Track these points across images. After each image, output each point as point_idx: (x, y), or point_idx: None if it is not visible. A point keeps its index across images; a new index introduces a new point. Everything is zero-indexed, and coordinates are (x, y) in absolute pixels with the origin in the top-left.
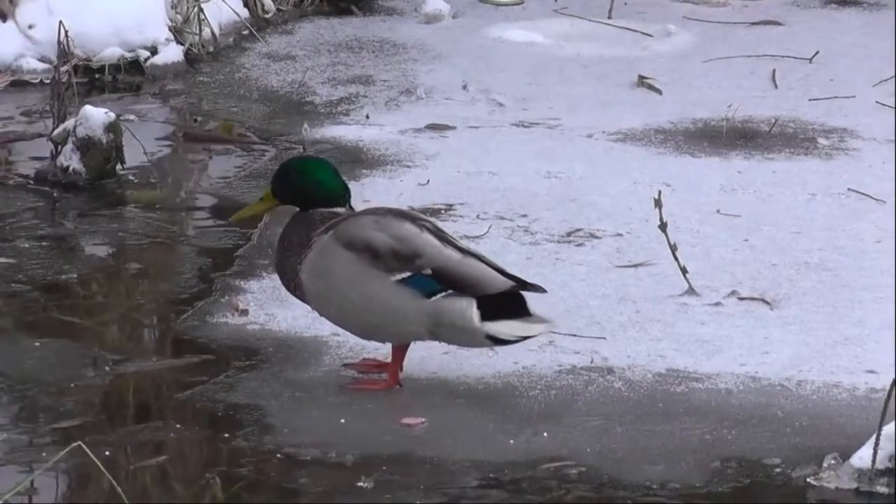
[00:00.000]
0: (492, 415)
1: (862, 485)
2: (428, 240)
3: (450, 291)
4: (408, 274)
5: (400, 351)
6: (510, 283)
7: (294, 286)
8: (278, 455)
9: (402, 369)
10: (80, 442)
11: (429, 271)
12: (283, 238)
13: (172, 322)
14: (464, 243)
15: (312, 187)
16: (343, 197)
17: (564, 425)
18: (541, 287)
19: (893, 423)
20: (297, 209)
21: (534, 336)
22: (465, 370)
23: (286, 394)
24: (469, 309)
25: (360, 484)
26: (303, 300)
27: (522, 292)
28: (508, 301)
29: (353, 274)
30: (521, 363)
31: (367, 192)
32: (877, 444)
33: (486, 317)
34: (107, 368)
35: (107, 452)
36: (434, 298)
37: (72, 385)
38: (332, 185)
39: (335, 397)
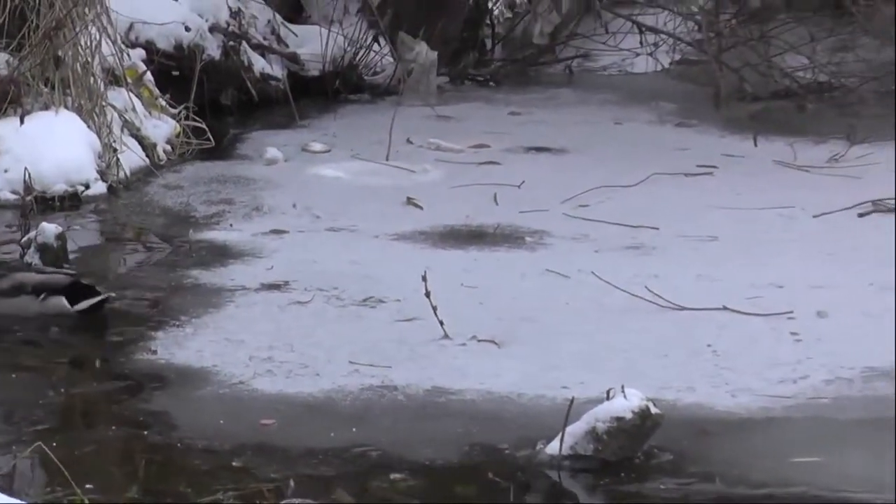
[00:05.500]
0: (319, 417)
1: (553, 463)
2: (26, 274)
3: (44, 294)
4: (24, 294)
5: None
6: (69, 279)
7: None
8: (179, 445)
9: None
10: (39, 442)
11: (29, 289)
12: None
13: (107, 360)
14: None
15: None
16: None
17: (366, 424)
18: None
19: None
20: None
21: (94, 302)
22: (300, 388)
23: (184, 405)
24: (61, 300)
25: (235, 463)
26: None
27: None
28: (84, 293)
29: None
30: (337, 383)
31: (234, 276)
32: (562, 438)
33: (72, 302)
34: (62, 390)
35: (62, 447)
36: (40, 299)
37: (39, 401)
38: None
39: (217, 407)
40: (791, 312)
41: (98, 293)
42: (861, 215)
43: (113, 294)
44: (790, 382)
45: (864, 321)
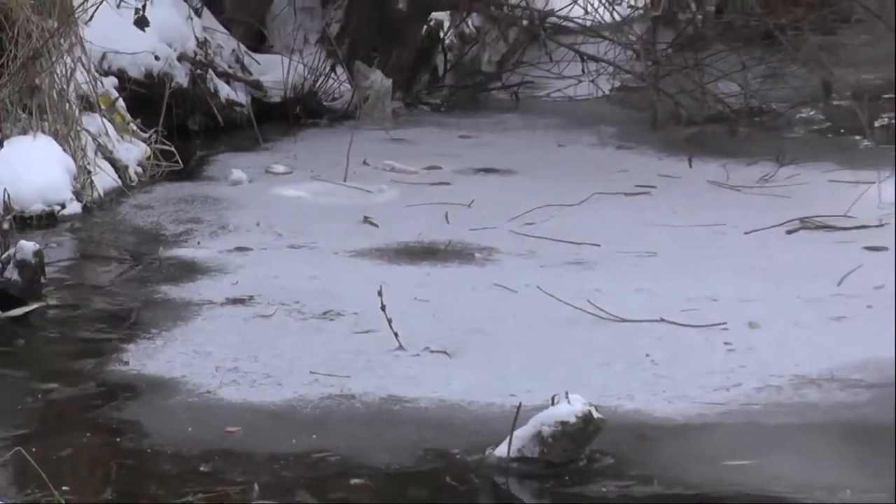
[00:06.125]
0: (282, 424)
1: (502, 465)
2: None
3: None
4: None
5: None
6: None
7: None
8: (149, 450)
9: None
10: (19, 447)
11: None
12: None
13: (82, 370)
14: None
15: None
16: None
17: (326, 431)
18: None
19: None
20: None
21: (27, 310)
22: (263, 396)
23: (154, 413)
24: None
25: (202, 468)
26: None
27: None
28: (12, 301)
29: None
30: (299, 392)
31: (201, 291)
32: (510, 441)
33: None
34: (39, 398)
35: (40, 451)
36: None
37: (18, 407)
38: None
39: (185, 415)
40: (724, 324)
41: (24, 302)
42: (790, 232)
43: (44, 303)
44: (723, 390)
45: (793, 332)
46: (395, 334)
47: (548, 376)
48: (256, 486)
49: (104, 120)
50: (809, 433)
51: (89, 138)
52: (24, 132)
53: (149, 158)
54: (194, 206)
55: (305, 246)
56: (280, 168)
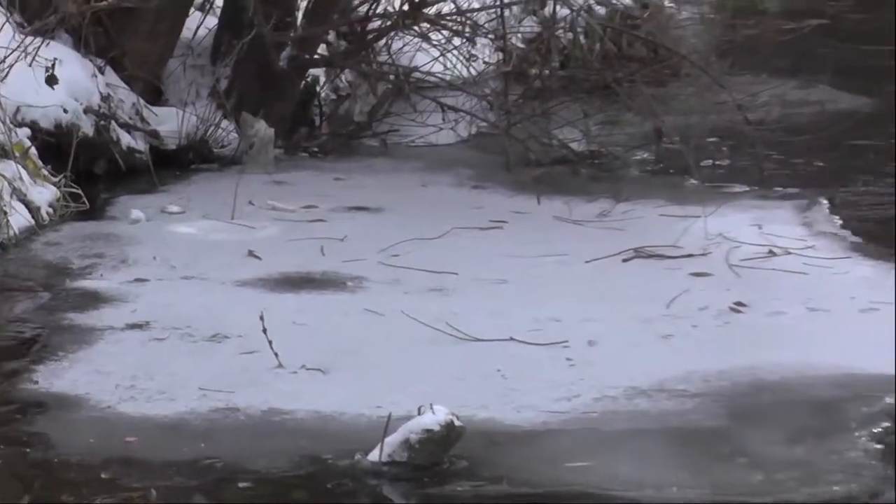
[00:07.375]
0: (175, 435)
1: (374, 469)
2: None
3: None
4: None
5: None
6: None
7: None
8: (56, 461)
9: None
10: None
11: None
12: None
13: None
14: None
15: None
16: None
17: (213, 440)
18: None
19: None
20: None
21: None
22: (158, 410)
23: (61, 426)
24: None
25: (103, 475)
26: None
27: None
28: None
29: None
30: (189, 406)
31: (104, 318)
32: (381, 447)
33: None
34: None
35: None
36: None
37: None
38: None
39: (88, 428)
40: (566, 342)
41: None
42: (625, 261)
43: None
44: (565, 400)
45: (627, 349)
46: (276, 354)
47: (412, 390)
48: (154, 491)
49: (18, 166)
50: (641, 438)
51: (5, 183)
52: None
53: (59, 200)
54: (98, 243)
55: (196, 277)
56: (175, 208)
